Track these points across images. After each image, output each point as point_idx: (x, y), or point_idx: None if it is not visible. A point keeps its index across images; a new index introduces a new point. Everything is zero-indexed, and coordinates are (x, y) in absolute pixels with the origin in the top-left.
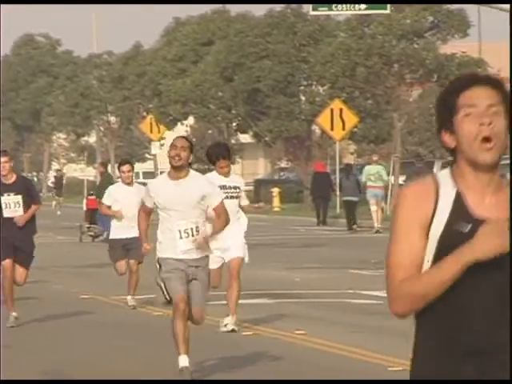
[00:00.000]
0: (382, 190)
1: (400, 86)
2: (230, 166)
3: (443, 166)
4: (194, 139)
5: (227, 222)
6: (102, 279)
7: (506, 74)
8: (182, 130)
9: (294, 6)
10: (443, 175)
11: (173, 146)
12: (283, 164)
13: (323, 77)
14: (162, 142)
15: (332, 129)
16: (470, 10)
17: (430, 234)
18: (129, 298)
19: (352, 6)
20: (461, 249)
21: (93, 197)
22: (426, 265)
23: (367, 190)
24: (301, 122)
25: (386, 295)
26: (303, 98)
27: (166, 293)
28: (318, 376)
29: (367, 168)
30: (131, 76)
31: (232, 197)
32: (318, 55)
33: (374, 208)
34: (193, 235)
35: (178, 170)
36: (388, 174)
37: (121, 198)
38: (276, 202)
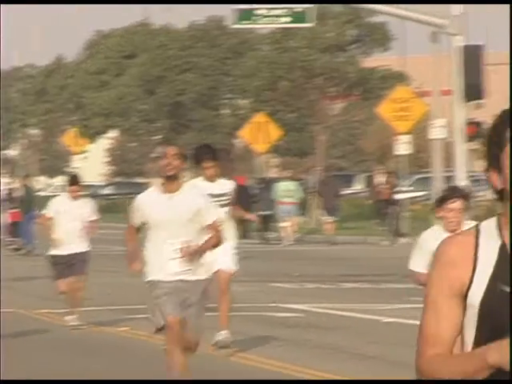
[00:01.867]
0: (294, 205)
1: (323, 100)
2: (216, 169)
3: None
4: (117, 152)
5: (221, 241)
6: (25, 292)
7: (428, 87)
8: (105, 142)
9: (216, 18)
10: (488, 225)
11: (162, 154)
12: None
13: (246, 90)
14: (84, 154)
15: (255, 142)
16: (393, 23)
17: (468, 301)
18: (69, 317)
19: (275, 19)
20: (489, 346)
21: (16, 210)
22: (469, 335)
23: (279, 205)
24: (224, 135)
25: (307, 308)
26: (226, 111)
27: (156, 320)
28: None
29: (279, 184)
30: (54, 89)
31: (221, 205)
32: (241, 68)
33: (284, 224)
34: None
35: (171, 180)
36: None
37: (63, 211)
38: None
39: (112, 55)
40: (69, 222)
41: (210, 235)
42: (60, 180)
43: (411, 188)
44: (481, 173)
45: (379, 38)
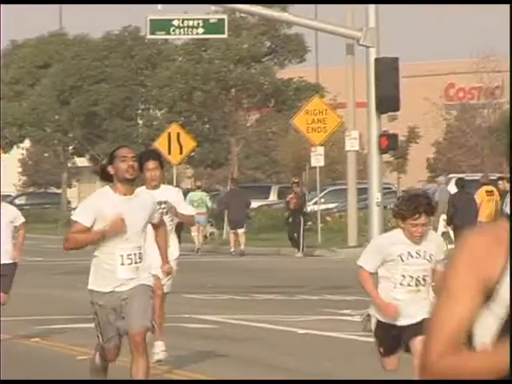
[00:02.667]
0: (205, 216)
1: (237, 111)
2: (160, 172)
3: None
4: (29, 162)
5: (167, 233)
6: None
7: (343, 99)
8: (18, 153)
9: (131, 29)
10: None
11: (121, 157)
12: None
13: (160, 101)
14: None
15: (169, 153)
16: (307, 35)
17: (495, 296)
18: None
19: (189, 30)
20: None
21: None
22: (486, 331)
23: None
24: (138, 145)
25: (221, 320)
26: (140, 121)
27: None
28: None
29: (190, 194)
30: None
31: (164, 213)
32: (156, 79)
33: (195, 233)
34: (136, 262)
35: (130, 184)
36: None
37: None
38: None
39: (26, 65)
40: None
41: (158, 236)
42: None
43: (323, 200)
44: (394, 185)
45: (294, 49)
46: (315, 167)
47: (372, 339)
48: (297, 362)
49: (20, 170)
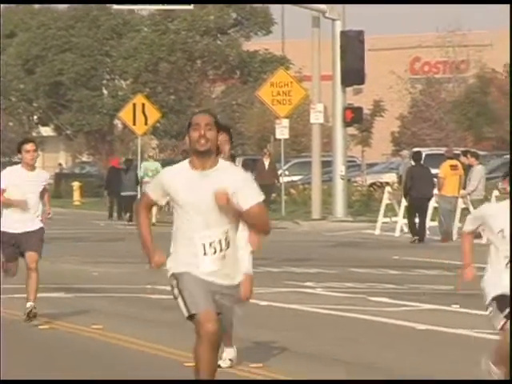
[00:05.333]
0: None
1: (203, 82)
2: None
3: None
4: None
5: (266, 230)
6: None
7: (307, 72)
8: None
9: None
10: None
11: (194, 124)
12: (84, 158)
13: (126, 71)
14: None
15: (134, 123)
16: (274, 8)
17: None
18: (29, 304)
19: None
20: None
21: None
22: None
23: (145, 184)
24: (103, 116)
25: None
26: (106, 92)
27: (185, 309)
28: (116, 372)
29: (145, 164)
30: None
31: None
32: (121, 49)
33: None
34: (221, 250)
35: (204, 156)
36: None
37: (20, 183)
38: (76, 195)
39: None
40: (22, 196)
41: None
42: None
43: (287, 172)
44: (358, 158)
45: (260, 21)
46: (280, 139)
47: (334, 312)
48: (257, 333)
49: None
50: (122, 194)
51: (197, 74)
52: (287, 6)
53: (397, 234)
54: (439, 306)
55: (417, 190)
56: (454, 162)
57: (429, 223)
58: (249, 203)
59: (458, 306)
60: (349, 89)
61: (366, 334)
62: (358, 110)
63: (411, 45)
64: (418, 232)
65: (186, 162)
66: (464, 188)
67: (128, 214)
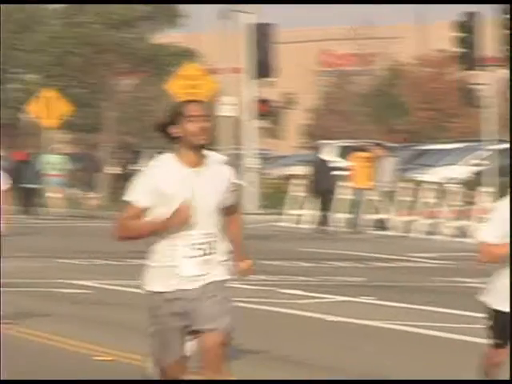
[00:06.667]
0: (62, 178)
1: (112, 76)
2: None
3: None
4: None
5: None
6: None
7: (218, 65)
8: None
9: None
10: None
11: (190, 116)
12: None
13: (35, 65)
14: None
15: (43, 117)
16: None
17: None
18: None
19: None
20: None
21: None
22: None
23: (47, 177)
24: (11, 109)
25: (95, 285)
26: (14, 85)
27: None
28: (26, 367)
29: (47, 157)
30: None
31: None
32: (30, 43)
33: (53, 195)
34: (209, 254)
35: (200, 150)
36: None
37: None
38: None
39: None
40: None
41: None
42: None
43: None
44: (270, 151)
45: (170, 14)
46: None
47: (247, 305)
48: None
49: None
50: (22, 185)
51: (106, 67)
52: None
53: (306, 226)
54: (351, 298)
55: (318, 182)
56: (365, 153)
57: (338, 215)
58: (233, 201)
59: (370, 298)
60: (260, 81)
61: (280, 326)
62: (269, 103)
63: (322, 37)
64: (323, 223)
65: (171, 157)
66: (375, 180)
67: (27, 208)
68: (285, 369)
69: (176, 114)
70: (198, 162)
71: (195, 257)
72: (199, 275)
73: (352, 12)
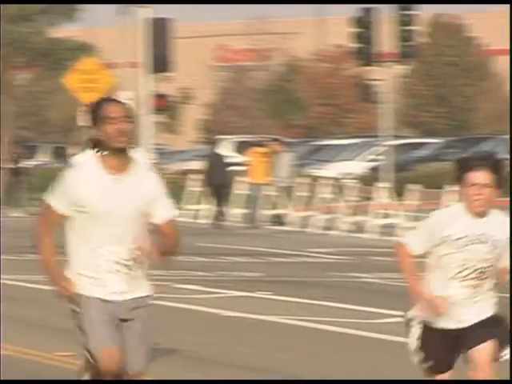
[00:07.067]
0: None
1: (8, 70)
2: None
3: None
4: None
5: (177, 244)
6: None
7: (116, 59)
8: None
9: None
10: None
11: (109, 117)
12: None
13: None
14: None
15: None
16: None
17: None
18: None
19: None
20: None
21: None
22: None
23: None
24: None
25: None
26: None
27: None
28: None
29: None
30: None
31: None
32: None
33: None
34: (132, 269)
35: (122, 154)
36: None
37: None
38: None
39: None
40: None
41: (163, 237)
42: None
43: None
44: (166, 145)
45: (67, 8)
46: (83, 126)
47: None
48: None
49: None
50: None
51: (2, 61)
52: None
53: (204, 221)
54: (248, 293)
55: (213, 176)
56: (262, 149)
57: (236, 210)
58: (164, 217)
59: (267, 293)
60: (157, 76)
61: (177, 321)
62: (165, 98)
63: (218, 32)
64: (219, 218)
65: (94, 160)
66: (272, 175)
67: None
68: (179, 364)
69: (95, 116)
70: (121, 167)
71: (119, 272)
72: (124, 291)
73: (250, 7)
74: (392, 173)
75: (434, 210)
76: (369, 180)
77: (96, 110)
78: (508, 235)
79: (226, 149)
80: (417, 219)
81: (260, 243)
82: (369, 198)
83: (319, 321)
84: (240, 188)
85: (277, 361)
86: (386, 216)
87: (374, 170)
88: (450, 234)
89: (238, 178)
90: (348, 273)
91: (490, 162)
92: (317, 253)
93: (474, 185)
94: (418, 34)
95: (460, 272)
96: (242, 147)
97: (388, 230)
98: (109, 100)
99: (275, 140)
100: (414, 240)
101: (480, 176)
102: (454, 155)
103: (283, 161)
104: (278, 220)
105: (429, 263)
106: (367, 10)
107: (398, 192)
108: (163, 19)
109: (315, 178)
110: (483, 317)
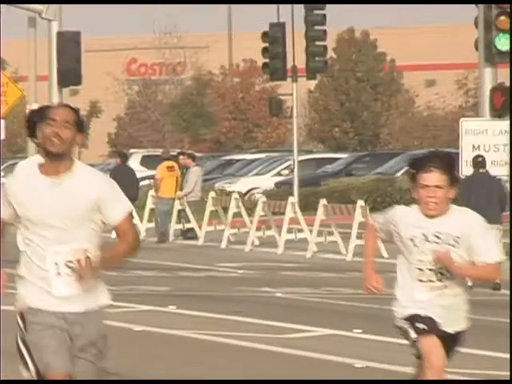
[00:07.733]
0: None
1: None
2: None
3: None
4: None
5: (135, 249)
6: None
7: (24, 72)
8: None
9: None
10: None
11: (48, 118)
12: None
13: None
14: None
15: None
16: None
17: None
18: None
19: None
20: None
21: None
22: None
23: None
24: None
25: None
26: None
27: (30, 364)
28: None
29: None
30: None
31: None
32: None
33: None
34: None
35: (57, 160)
36: None
37: None
38: None
39: None
40: None
41: (117, 240)
42: None
43: (2, 173)
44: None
45: None
46: None
47: None
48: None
49: None
50: None
51: None
52: (3, 5)
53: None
54: (156, 307)
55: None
56: (171, 163)
57: (145, 224)
58: (118, 217)
59: (175, 307)
60: (65, 90)
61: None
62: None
63: (128, 46)
64: None
65: (34, 164)
66: (181, 189)
67: None
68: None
69: (40, 116)
70: (59, 170)
71: (66, 275)
72: (72, 297)
73: (161, 20)
74: (300, 188)
75: (341, 224)
76: (277, 195)
77: (43, 112)
78: (477, 228)
79: (133, 162)
80: (322, 234)
81: (169, 257)
82: (277, 213)
83: (227, 335)
84: (148, 202)
85: (185, 375)
86: (293, 231)
87: (283, 184)
88: (401, 235)
89: (147, 193)
90: (256, 287)
91: (442, 163)
92: (226, 267)
93: (425, 186)
94: (326, 50)
95: (420, 273)
96: (150, 161)
97: (295, 244)
98: (61, 104)
99: (184, 154)
100: (378, 217)
101: (432, 177)
102: (362, 170)
103: (192, 175)
104: (187, 235)
105: (398, 263)
106: (277, 25)
107: (305, 207)
108: (72, 32)
109: (224, 193)
110: (458, 328)
